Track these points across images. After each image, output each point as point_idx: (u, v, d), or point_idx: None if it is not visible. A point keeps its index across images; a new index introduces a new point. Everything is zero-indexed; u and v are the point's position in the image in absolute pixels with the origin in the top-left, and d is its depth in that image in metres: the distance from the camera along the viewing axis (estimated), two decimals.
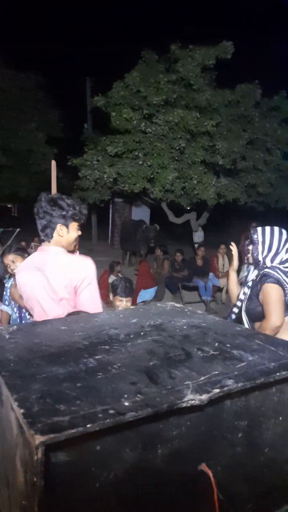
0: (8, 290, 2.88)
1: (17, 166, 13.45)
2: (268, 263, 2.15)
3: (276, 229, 2.20)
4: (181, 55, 8.64)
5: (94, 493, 0.63)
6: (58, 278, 1.78)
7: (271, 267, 2.12)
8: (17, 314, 2.86)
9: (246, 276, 2.33)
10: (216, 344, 0.96)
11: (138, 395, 0.69)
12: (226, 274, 7.56)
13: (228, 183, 8.66)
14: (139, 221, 10.80)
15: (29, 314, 2.12)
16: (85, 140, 11.57)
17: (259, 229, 2.22)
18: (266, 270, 2.12)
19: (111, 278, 7.12)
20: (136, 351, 0.90)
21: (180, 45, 8.78)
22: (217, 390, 0.73)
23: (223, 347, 0.94)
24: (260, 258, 2.17)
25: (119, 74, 9.06)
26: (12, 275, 2.77)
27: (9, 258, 2.77)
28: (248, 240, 2.29)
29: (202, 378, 0.77)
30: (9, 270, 2.79)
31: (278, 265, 2.13)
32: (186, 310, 1.28)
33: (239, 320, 2.27)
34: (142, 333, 1.02)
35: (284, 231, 2.20)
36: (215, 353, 0.90)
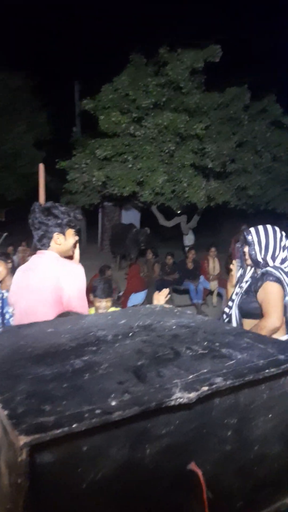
0: None
1: (5, 169, 13.33)
2: (270, 263, 2.14)
3: (269, 227, 2.20)
4: (170, 58, 8.69)
5: (81, 494, 0.62)
6: (46, 281, 1.78)
7: (274, 267, 2.12)
8: None
9: (241, 276, 2.33)
10: (205, 343, 0.95)
11: (126, 394, 0.68)
12: (217, 277, 7.64)
13: (218, 185, 8.71)
14: (129, 225, 10.81)
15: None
16: (73, 143, 11.54)
17: (253, 229, 2.21)
18: (268, 268, 2.11)
19: None
20: (124, 351, 0.89)
21: (168, 49, 8.84)
22: (206, 388, 0.72)
23: (212, 345, 0.94)
24: (259, 258, 2.16)
25: (108, 77, 9.08)
26: None
27: None
28: (241, 242, 2.28)
29: (190, 377, 0.76)
30: None
31: (279, 265, 2.13)
32: (175, 310, 1.28)
33: (230, 320, 2.26)
34: (130, 334, 1.01)
35: (277, 229, 2.21)
36: (204, 351, 0.90)
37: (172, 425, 0.73)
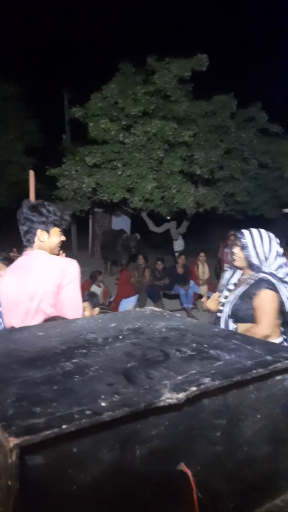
0: None
1: None
2: (266, 268, 2.15)
3: (264, 232, 2.21)
4: (158, 67, 8.80)
5: (72, 495, 0.62)
6: (43, 282, 1.77)
7: (270, 273, 2.12)
8: None
9: (228, 279, 2.34)
10: (194, 344, 0.97)
11: (115, 396, 0.68)
12: (207, 281, 7.69)
13: (206, 192, 8.80)
14: (120, 231, 10.83)
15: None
16: (63, 150, 11.57)
17: (246, 232, 2.21)
18: (263, 275, 2.12)
19: (94, 288, 7.08)
20: (114, 354, 0.89)
21: (156, 58, 8.95)
22: (194, 388, 0.73)
23: (200, 347, 0.95)
24: (255, 261, 2.15)
25: (97, 85, 9.15)
26: None
27: None
28: (230, 243, 2.30)
29: (179, 378, 0.77)
30: None
31: (273, 271, 2.14)
32: (165, 313, 1.29)
33: (226, 324, 2.24)
34: (120, 337, 1.02)
35: (270, 233, 2.22)
36: (193, 353, 0.91)
37: (161, 426, 0.74)
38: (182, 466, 0.76)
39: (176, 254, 9.61)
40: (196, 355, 0.90)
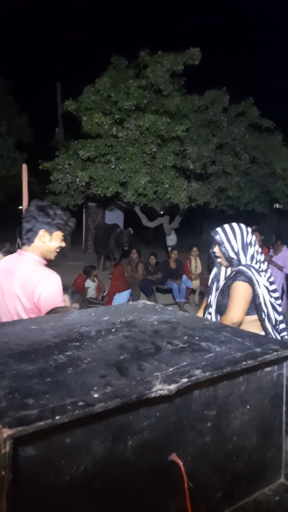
0: None
1: None
2: (243, 261, 2.18)
3: (235, 225, 2.25)
4: (150, 61, 8.75)
5: (64, 486, 0.63)
6: (23, 287, 1.79)
7: (246, 265, 2.16)
8: None
9: (215, 276, 2.37)
10: (185, 337, 0.98)
11: (108, 387, 0.69)
12: (199, 276, 7.73)
13: (199, 187, 8.80)
14: (113, 225, 10.80)
15: None
16: (56, 144, 11.47)
17: (219, 229, 2.26)
18: (240, 267, 2.16)
19: (88, 283, 7.08)
20: (107, 347, 0.90)
21: (149, 52, 8.89)
22: (185, 380, 0.75)
23: (191, 339, 0.96)
24: (232, 255, 2.20)
25: (90, 79, 9.08)
26: None
27: None
28: (211, 243, 2.31)
29: (170, 369, 0.79)
30: None
31: (251, 263, 2.17)
32: (157, 307, 1.30)
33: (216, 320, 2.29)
34: (113, 330, 1.03)
35: (242, 225, 2.26)
36: (184, 345, 0.92)
37: (153, 417, 0.75)
38: (174, 457, 0.77)
39: (169, 248, 9.62)
40: (187, 347, 0.91)
